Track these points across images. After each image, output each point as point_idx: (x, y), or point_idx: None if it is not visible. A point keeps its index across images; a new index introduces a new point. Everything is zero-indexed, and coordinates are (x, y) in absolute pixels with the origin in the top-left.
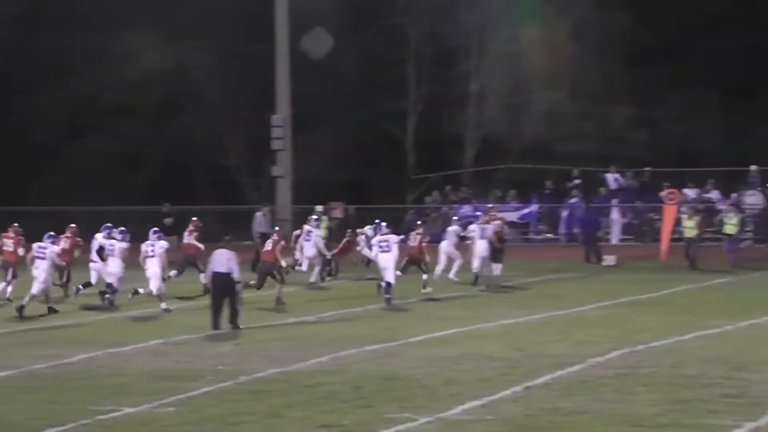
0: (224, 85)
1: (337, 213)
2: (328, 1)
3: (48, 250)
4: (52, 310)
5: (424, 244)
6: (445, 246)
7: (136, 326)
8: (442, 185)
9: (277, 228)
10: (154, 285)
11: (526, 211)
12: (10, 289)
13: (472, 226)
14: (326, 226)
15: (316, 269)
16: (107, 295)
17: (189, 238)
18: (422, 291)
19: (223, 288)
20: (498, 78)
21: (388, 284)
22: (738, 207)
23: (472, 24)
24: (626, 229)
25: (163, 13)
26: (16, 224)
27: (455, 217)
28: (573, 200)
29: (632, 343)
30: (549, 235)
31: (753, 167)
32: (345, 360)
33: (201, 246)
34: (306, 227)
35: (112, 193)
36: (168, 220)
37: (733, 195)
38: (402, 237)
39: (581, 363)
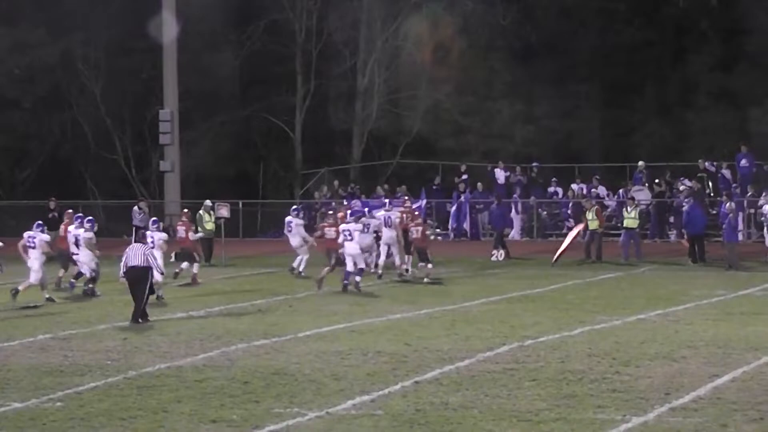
0: (111, 79)
1: (224, 212)
2: None
3: (38, 238)
4: (50, 300)
5: (428, 233)
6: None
7: (23, 321)
8: (330, 180)
9: (330, 212)
10: (34, 276)
11: (414, 206)
12: None
13: (378, 214)
14: (213, 221)
15: (303, 258)
16: (88, 285)
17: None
18: (425, 280)
19: (136, 281)
20: (385, 73)
21: (348, 273)
22: (634, 200)
23: (359, 19)
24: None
25: (48, 6)
26: None
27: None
28: (463, 195)
29: (520, 338)
30: (438, 230)
31: (641, 163)
32: (233, 355)
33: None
34: (287, 218)
35: None
36: (54, 215)
37: (621, 190)
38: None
39: (470, 358)
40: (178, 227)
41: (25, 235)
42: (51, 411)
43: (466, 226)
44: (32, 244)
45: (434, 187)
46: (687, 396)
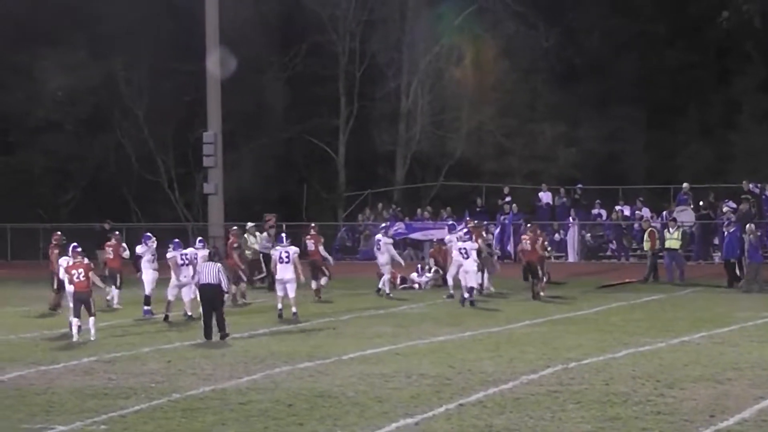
0: (154, 101)
1: (272, 223)
2: (257, 18)
3: (189, 254)
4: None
5: (537, 246)
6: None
7: (68, 344)
8: (373, 202)
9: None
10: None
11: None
12: (116, 295)
13: (448, 237)
14: (258, 241)
15: (384, 278)
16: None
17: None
18: (541, 295)
19: (211, 299)
20: (428, 95)
21: (471, 288)
22: (677, 221)
23: (402, 41)
24: (559, 246)
25: (92, 28)
26: (117, 232)
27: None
28: (504, 217)
29: (564, 361)
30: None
31: (685, 185)
32: (277, 377)
33: None
34: (377, 237)
35: (41, 209)
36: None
37: (664, 212)
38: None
39: (514, 380)
40: (307, 240)
41: (177, 253)
42: None
43: (510, 248)
44: (185, 261)
45: (477, 209)
46: (732, 418)
